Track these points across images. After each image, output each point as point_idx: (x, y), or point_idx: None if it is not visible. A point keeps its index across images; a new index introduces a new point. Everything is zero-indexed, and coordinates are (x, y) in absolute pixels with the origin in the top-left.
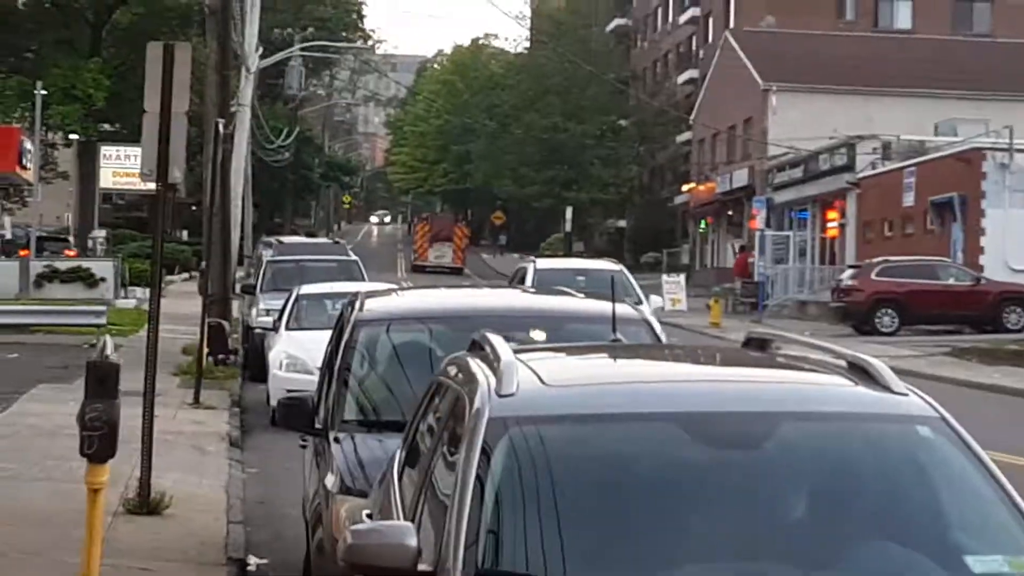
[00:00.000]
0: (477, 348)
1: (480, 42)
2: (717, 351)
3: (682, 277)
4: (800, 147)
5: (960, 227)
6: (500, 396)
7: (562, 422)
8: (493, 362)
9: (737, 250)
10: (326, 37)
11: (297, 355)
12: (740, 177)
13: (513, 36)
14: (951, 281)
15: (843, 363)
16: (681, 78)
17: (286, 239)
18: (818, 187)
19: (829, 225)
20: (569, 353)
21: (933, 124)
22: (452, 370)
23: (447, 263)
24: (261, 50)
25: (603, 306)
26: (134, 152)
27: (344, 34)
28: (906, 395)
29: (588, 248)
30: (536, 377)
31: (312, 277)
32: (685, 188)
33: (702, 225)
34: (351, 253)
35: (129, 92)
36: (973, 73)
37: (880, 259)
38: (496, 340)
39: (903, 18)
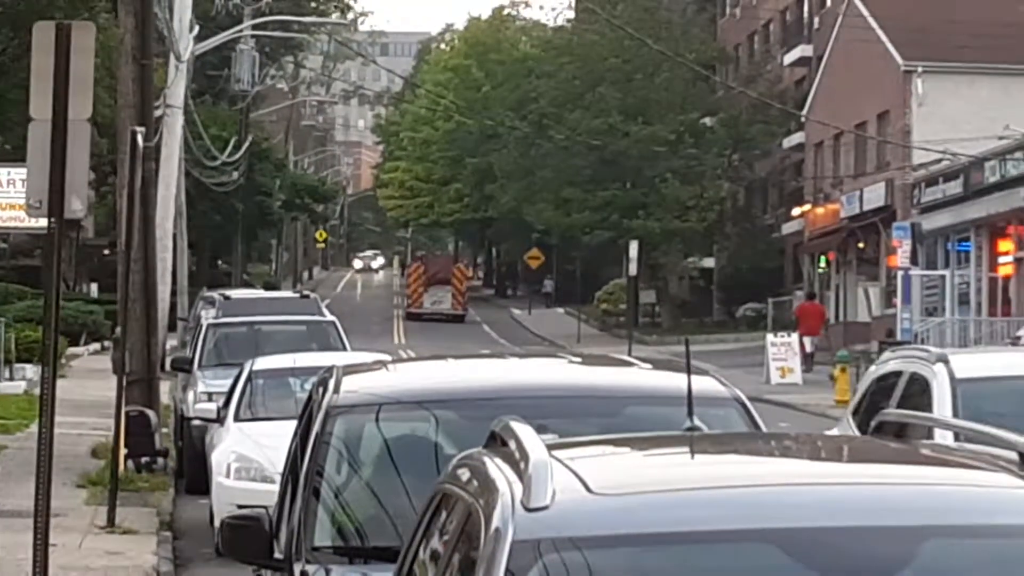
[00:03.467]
0: (497, 443)
1: (505, 12)
2: (838, 442)
3: (795, 337)
4: (958, 151)
5: None
6: (529, 510)
7: (616, 545)
8: (519, 462)
9: (804, 297)
10: (289, 10)
11: (250, 456)
12: (874, 195)
13: (552, 4)
14: None
15: (1015, 455)
16: (789, 58)
17: (235, 293)
18: (985, 207)
19: (1001, 260)
20: (627, 447)
21: None
22: (463, 474)
23: (446, 309)
24: (197, 29)
25: (676, 380)
26: (18, 175)
27: (314, 5)
28: None
29: (663, 297)
30: (580, 482)
31: (271, 346)
32: (797, 212)
33: (822, 263)
34: (326, 311)
35: (9, 92)
36: None
37: None
38: (523, 431)
39: None
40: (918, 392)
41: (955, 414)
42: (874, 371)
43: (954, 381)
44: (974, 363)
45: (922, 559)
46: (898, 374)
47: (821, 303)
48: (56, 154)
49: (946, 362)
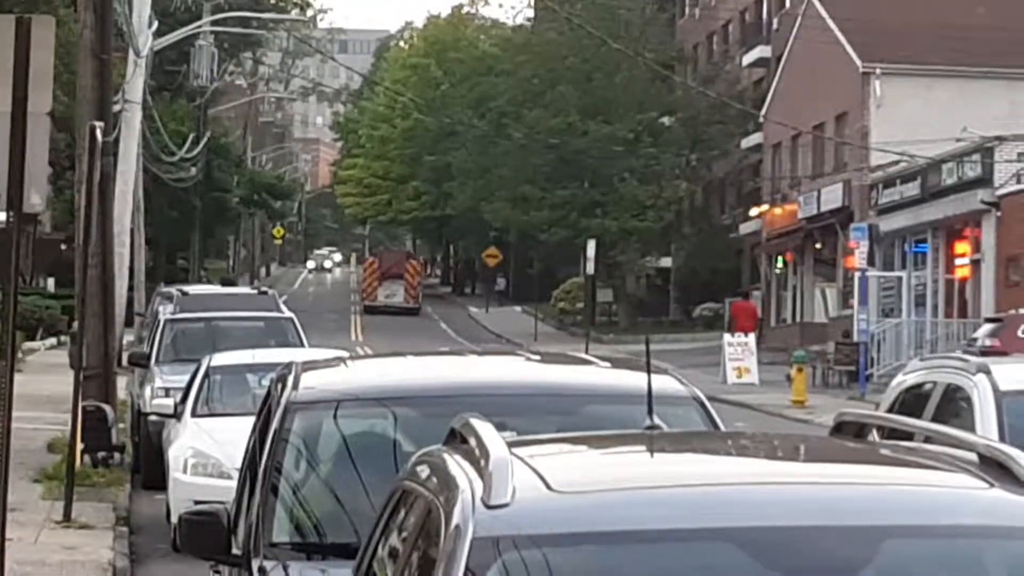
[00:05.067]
0: (457, 440)
1: (464, 10)
2: (797, 441)
3: (751, 337)
4: (916, 153)
5: None
6: (489, 507)
7: (576, 543)
8: (479, 459)
9: (741, 297)
10: (248, 6)
11: (208, 452)
12: (832, 196)
13: (511, 3)
14: None
15: (973, 456)
16: (747, 58)
17: (193, 289)
18: (941, 209)
19: (958, 262)
20: (587, 445)
21: None
22: (422, 471)
23: (398, 303)
24: (156, 25)
25: (635, 379)
26: None
27: (273, 1)
28: None
29: (619, 296)
30: (540, 480)
31: (229, 342)
32: (754, 212)
33: (779, 264)
34: (284, 308)
35: None
36: None
37: None
38: (484, 428)
39: None
40: (956, 405)
41: (1000, 429)
42: (901, 381)
43: (998, 393)
44: (1019, 374)
45: (881, 559)
46: (931, 385)
47: (752, 301)
48: (15, 148)
49: (988, 373)
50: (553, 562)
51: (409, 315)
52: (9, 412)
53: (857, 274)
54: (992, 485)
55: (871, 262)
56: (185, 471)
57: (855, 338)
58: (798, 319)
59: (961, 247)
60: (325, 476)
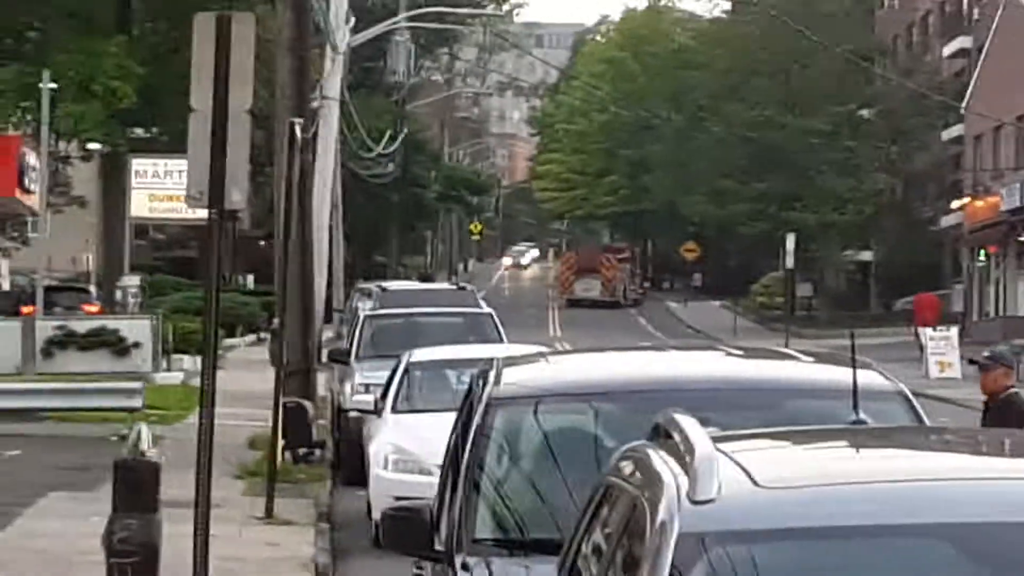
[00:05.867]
0: (662, 436)
1: (661, 3)
2: (1005, 436)
3: (954, 331)
4: None
5: None
6: (695, 503)
7: (784, 539)
8: (685, 455)
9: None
10: (444, 2)
11: (408, 448)
12: None
13: None
14: None
15: None
16: (948, 49)
17: (392, 285)
18: None
19: None
20: (792, 441)
21: None
22: (627, 467)
23: (594, 296)
24: (353, 21)
25: (838, 374)
26: (177, 167)
27: None
28: None
29: (819, 290)
30: (746, 476)
31: (429, 338)
32: (956, 205)
33: (982, 257)
34: (483, 303)
35: (169, 83)
36: None
37: None
38: (688, 424)
39: None
40: None
41: None
42: None
43: None
44: None
45: None
46: None
47: (934, 294)
48: (216, 145)
49: None
50: (759, 558)
51: (609, 308)
52: (212, 408)
53: None
54: None
55: None
56: (386, 467)
57: None
58: (1001, 313)
59: None
60: (527, 472)
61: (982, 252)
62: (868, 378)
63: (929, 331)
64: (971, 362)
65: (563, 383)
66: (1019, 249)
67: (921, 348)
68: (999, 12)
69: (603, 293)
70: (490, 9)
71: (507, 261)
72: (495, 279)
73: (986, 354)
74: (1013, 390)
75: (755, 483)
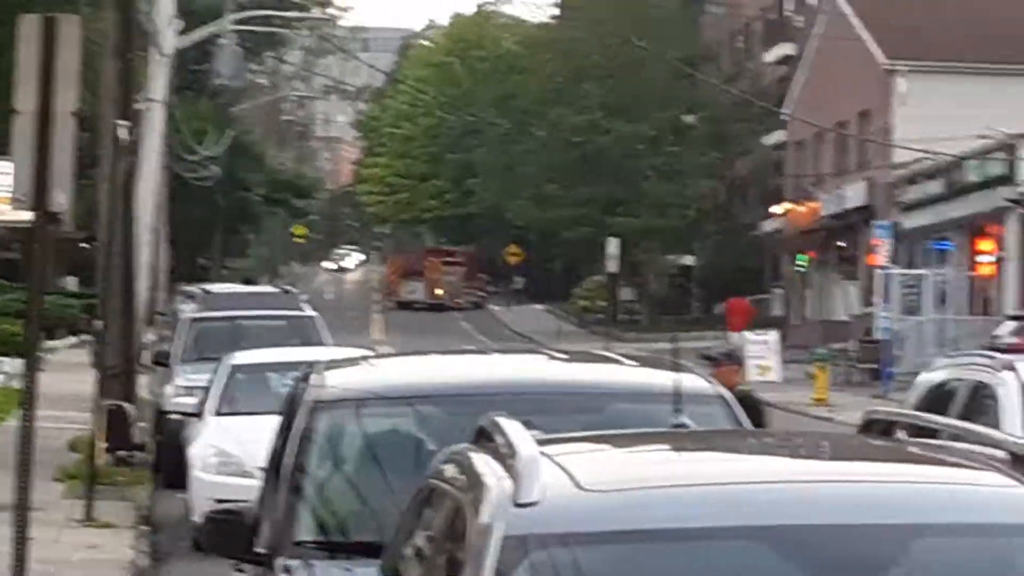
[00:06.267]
0: (485, 439)
1: (488, 9)
2: (824, 439)
3: (773, 335)
4: (939, 151)
5: None
6: (518, 505)
7: (605, 541)
8: (508, 458)
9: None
10: (271, 4)
11: (230, 451)
12: (855, 194)
13: (535, 1)
14: None
15: (1003, 454)
16: (771, 56)
17: (215, 288)
18: (965, 207)
19: (981, 260)
20: (615, 444)
21: None
22: (450, 470)
23: (419, 298)
24: (179, 24)
25: (661, 377)
26: (1, 169)
27: (296, 0)
28: None
29: (642, 295)
30: (569, 478)
31: (251, 341)
32: (777, 210)
33: (801, 262)
34: (307, 307)
35: None
36: None
37: None
38: (512, 427)
39: None
40: (982, 402)
41: None
42: (927, 379)
43: None
44: None
45: (911, 557)
46: (957, 382)
47: (746, 299)
48: (40, 147)
49: (1014, 370)
50: (582, 561)
51: (437, 311)
52: (33, 410)
53: (880, 272)
54: (1022, 483)
55: (894, 260)
56: (207, 470)
57: (877, 336)
58: (820, 317)
59: (984, 245)
60: (349, 475)
61: (802, 257)
62: (690, 382)
63: (749, 335)
64: (704, 358)
65: (386, 386)
66: (838, 254)
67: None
68: (820, 19)
69: (427, 296)
70: (316, 13)
71: (330, 265)
72: (318, 282)
73: (722, 352)
74: (743, 386)
75: (578, 486)
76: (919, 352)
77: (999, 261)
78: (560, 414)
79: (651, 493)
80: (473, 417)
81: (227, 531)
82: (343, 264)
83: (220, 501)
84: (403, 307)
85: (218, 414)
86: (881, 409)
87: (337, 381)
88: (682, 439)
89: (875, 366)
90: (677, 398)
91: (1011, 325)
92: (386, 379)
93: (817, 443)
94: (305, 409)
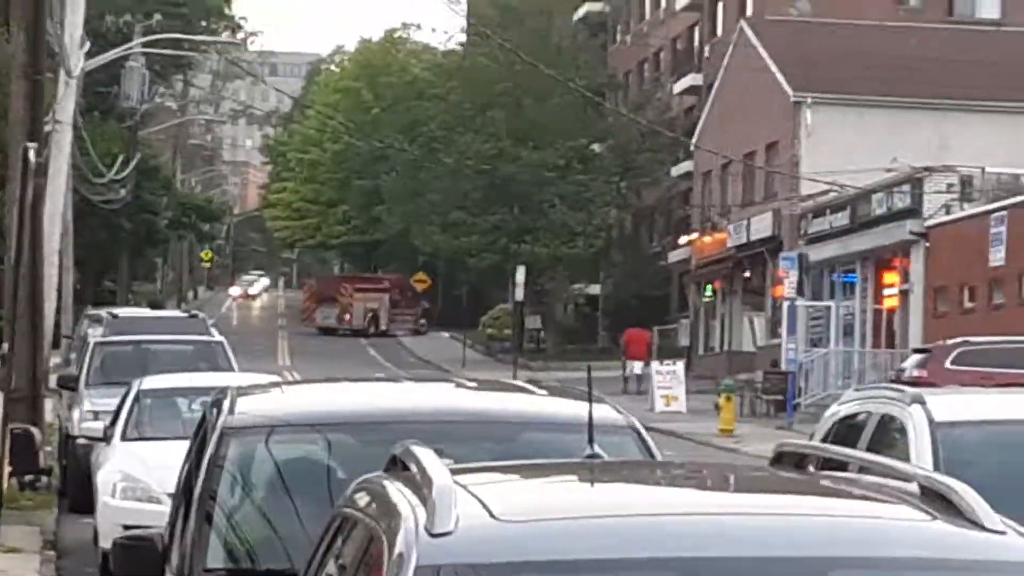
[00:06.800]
0: (399, 467)
1: (396, 35)
2: (735, 471)
3: (680, 365)
4: (846, 183)
5: None
6: (433, 535)
7: (520, 572)
8: (422, 487)
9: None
10: (179, 28)
11: (138, 476)
12: (761, 225)
13: (444, 28)
14: None
15: (915, 488)
16: (679, 86)
17: (122, 312)
18: (871, 239)
19: (886, 292)
20: (529, 474)
21: None
22: (363, 499)
23: (332, 324)
24: (88, 46)
25: (572, 407)
26: None
27: (204, 24)
28: (1003, 532)
29: (548, 323)
30: (483, 508)
31: (159, 366)
32: (684, 240)
33: (708, 292)
34: (214, 331)
35: None
36: None
37: (958, 340)
38: (426, 456)
39: (989, 4)
40: (890, 436)
41: (935, 460)
42: (835, 412)
43: (933, 425)
44: (953, 405)
45: None
46: (866, 415)
47: (645, 329)
48: None
49: (923, 403)
50: None
51: (354, 337)
52: None
53: (786, 303)
54: (935, 517)
55: (800, 291)
56: (114, 495)
57: (783, 367)
58: (726, 348)
59: (890, 277)
60: (259, 502)
61: (709, 287)
62: (601, 412)
63: (656, 365)
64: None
65: (297, 413)
66: (744, 285)
67: (625, 380)
68: (729, 51)
69: (340, 321)
70: (225, 37)
71: (236, 291)
72: (224, 307)
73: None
74: None
75: (492, 516)
76: (824, 384)
77: (904, 294)
78: (472, 443)
79: (566, 524)
80: (384, 445)
81: (137, 558)
82: (249, 290)
83: (127, 527)
84: (326, 332)
85: (125, 439)
86: (792, 441)
87: (248, 408)
88: (596, 470)
89: (780, 397)
90: (590, 428)
91: (916, 358)
92: (298, 406)
93: (730, 475)
94: (216, 435)
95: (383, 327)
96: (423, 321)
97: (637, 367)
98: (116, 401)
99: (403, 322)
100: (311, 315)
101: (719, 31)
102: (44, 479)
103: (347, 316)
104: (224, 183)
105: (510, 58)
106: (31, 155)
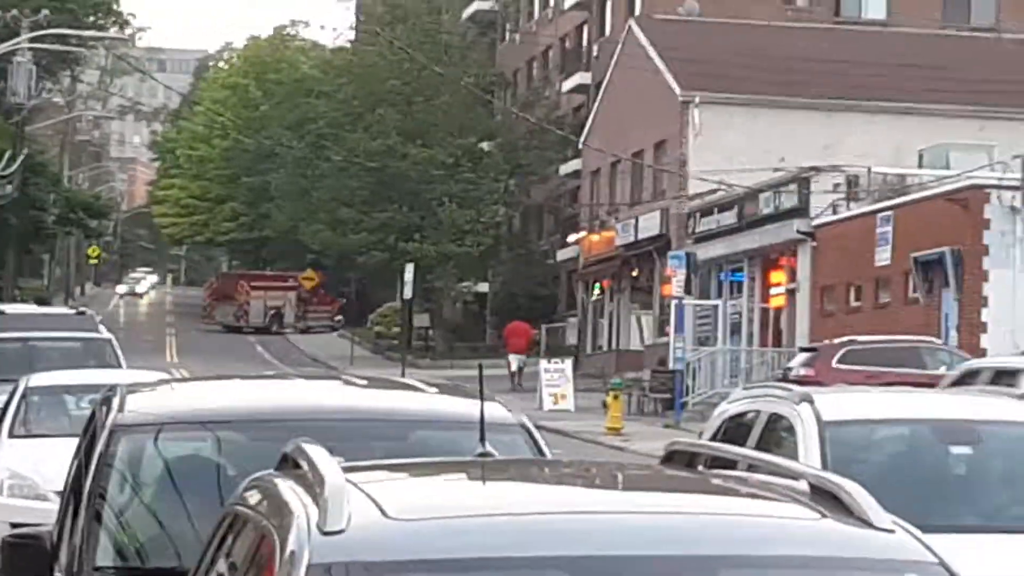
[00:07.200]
0: (290, 465)
1: (285, 32)
2: (625, 469)
3: (568, 363)
4: (734, 183)
5: (954, 294)
6: (325, 533)
7: (412, 570)
8: (314, 485)
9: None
10: (67, 23)
11: (24, 474)
12: (649, 224)
13: (332, 25)
14: (942, 370)
15: (805, 486)
16: (567, 84)
17: (9, 308)
18: (758, 238)
19: (773, 291)
20: (420, 472)
21: (917, 152)
22: (254, 496)
23: (230, 322)
24: None
25: (466, 406)
26: None
27: (92, 19)
28: (892, 531)
29: (436, 321)
30: (375, 507)
31: (46, 362)
32: (572, 239)
33: (596, 291)
34: (103, 328)
35: None
36: (972, 82)
37: (844, 339)
38: (317, 454)
39: (876, 5)
40: (779, 434)
41: (823, 459)
42: (724, 410)
43: (821, 423)
44: (841, 404)
45: None
46: (754, 414)
47: (525, 323)
48: None
49: (811, 402)
50: None
51: (257, 334)
52: None
53: (674, 302)
54: (824, 515)
55: (688, 290)
56: (1, 493)
57: (671, 366)
58: (614, 346)
59: (777, 276)
60: (149, 500)
61: (597, 286)
62: (491, 410)
63: (543, 363)
64: None
65: (187, 411)
66: (632, 283)
67: (511, 375)
68: (617, 49)
69: (237, 319)
70: (113, 32)
71: (122, 288)
72: (112, 305)
73: None
74: None
75: (385, 514)
76: (712, 382)
77: (791, 292)
78: (362, 441)
79: (458, 522)
80: (275, 443)
81: (26, 556)
82: (136, 289)
83: (15, 525)
84: (232, 330)
85: (12, 436)
86: (683, 440)
87: (138, 405)
88: (487, 468)
89: (668, 395)
90: (482, 426)
91: (803, 357)
92: (187, 403)
93: (622, 473)
94: (106, 433)
95: (289, 324)
96: (340, 317)
97: (515, 361)
98: (3, 398)
99: (318, 318)
100: (211, 313)
101: (608, 30)
102: None
103: (244, 314)
104: (112, 179)
105: (399, 56)
106: None
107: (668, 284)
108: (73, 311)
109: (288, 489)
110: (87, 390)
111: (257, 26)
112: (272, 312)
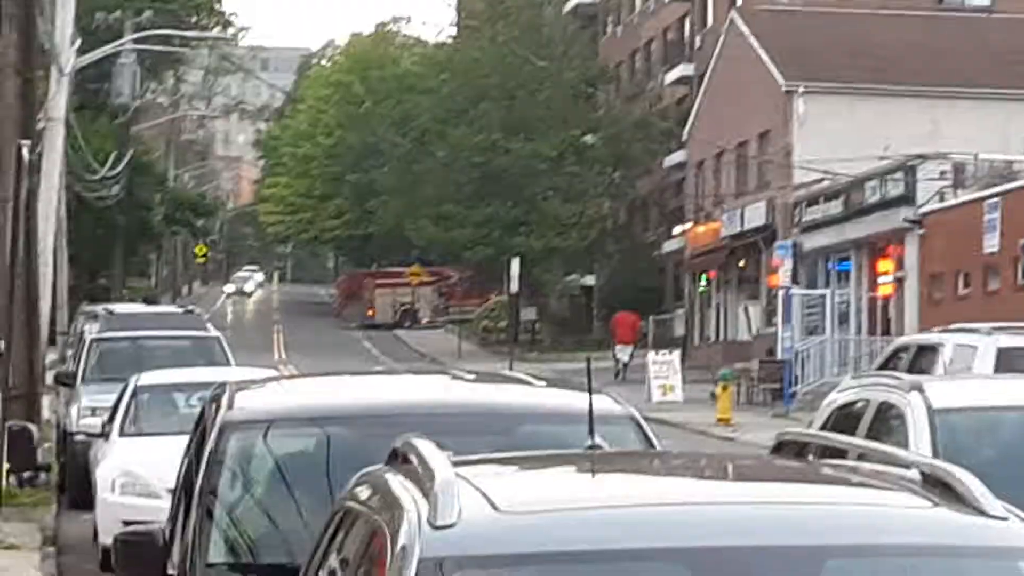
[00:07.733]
0: (400, 460)
1: (387, 29)
2: (736, 460)
3: (676, 355)
4: (839, 171)
5: None
6: (435, 528)
7: (523, 564)
8: (424, 480)
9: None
10: (170, 24)
11: (137, 472)
12: (755, 214)
13: (434, 21)
14: None
15: (916, 475)
16: (670, 76)
17: (118, 308)
18: (865, 227)
19: (881, 280)
20: (530, 466)
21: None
22: (364, 492)
23: (366, 320)
24: (79, 42)
25: (571, 398)
26: None
27: (195, 20)
28: (1005, 519)
29: (543, 315)
30: (486, 500)
31: (156, 361)
32: (678, 231)
33: (702, 282)
34: (210, 327)
35: None
36: None
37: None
38: (427, 448)
39: None
40: (889, 423)
41: (933, 447)
42: (834, 400)
43: (931, 412)
44: (952, 391)
45: None
46: (864, 403)
47: (632, 313)
48: None
49: (921, 390)
50: None
51: (388, 329)
52: None
53: (781, 292)
54: (936, 504)
55: (795, 280)
56: (113, 491)
57: (779, 356)
58: (722, 337)
59: (884, 265)
60: (260, 496)
61: (703, 277)
62: (600, 402)
63: (651, 355)
64: None
65: (296, 407)
66: (739, 274)
67: (617, 364)
68: (720, 40)
69: (367, 315)
70: (216, 32)
71: (230, 288)
72: (219, 303)
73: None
74: None
75: (495, 508)
76: (820, 372)
77: (898, 281)
78: (470, 435)
79: (568, 515)
80: (384, 439)
81: (139, 553)
82: (244, 288)
83: (127, 523)
84: (370, 327)
85: (124, 435)
86: (793, 430)
87: (247, 402)
88: (597, 460)
89: (777, 386)
90: (591, 419)
91: None
92: (296, 400)
93: (731, 464)
94: (216, 430)
95: (425, 320)
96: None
97: (623, 352)
98: (113, 397)
99: (464, 314)
100: (341, 311)
101: (710, 21)
102: (42, 476)
103: (370, 311)
104: (217, 178)
105: (501, 50)
106: (24, 153)
107: (774, 274)
108: (181, 310)
109: (398, 484)
110: (196, 388)
111: (359, 23)
112: (404, 308)
